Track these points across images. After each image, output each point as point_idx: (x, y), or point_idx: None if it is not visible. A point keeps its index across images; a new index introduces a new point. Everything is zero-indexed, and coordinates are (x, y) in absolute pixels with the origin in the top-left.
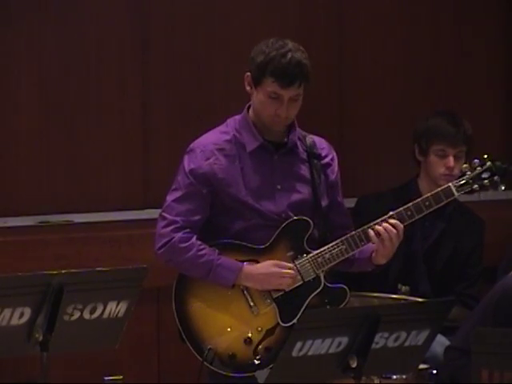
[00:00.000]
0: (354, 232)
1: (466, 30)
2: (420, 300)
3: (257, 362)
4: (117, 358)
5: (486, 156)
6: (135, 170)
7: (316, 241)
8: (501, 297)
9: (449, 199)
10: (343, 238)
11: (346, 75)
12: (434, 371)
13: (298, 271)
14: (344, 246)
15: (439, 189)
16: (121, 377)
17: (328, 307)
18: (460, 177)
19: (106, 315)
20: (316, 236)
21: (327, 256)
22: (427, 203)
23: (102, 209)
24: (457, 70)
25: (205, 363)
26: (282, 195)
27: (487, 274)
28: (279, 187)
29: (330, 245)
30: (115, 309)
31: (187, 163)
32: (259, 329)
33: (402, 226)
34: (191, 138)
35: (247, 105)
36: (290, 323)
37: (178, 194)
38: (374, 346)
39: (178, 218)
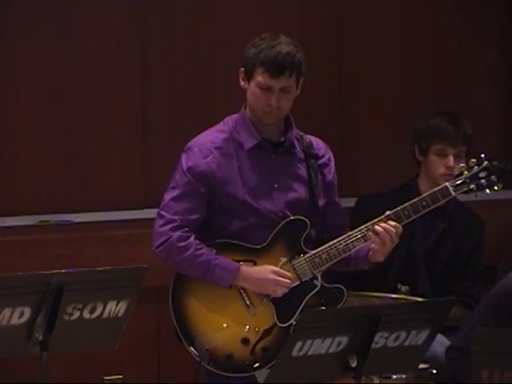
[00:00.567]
0: (351, 232)
1: (465, 29)
2: (420, 300)
3: (255, 365)
4: (117, 357)
5: (482, 156)
6: (135, 170)
7: (313, 241)
8: (502, 296)
9: (446, 199)
10: (340, 238)
11: (346, 75)
12: (434, 371)
13: (295, 271)
14: (341, 246)
15: (436, 188)
16: (120, 376)
17: (323, 308)
18: (457, 176)
19: (105, 315)
20: (313, 236)
21: (324, 256)
22: (424, 203)
23: (102, 208)
24: (457, 70)
25: (202, 363)
26: (279, 194)
27: (487, 273)
28: (276, 186)
29: (327, 245)
30: (115, 308)
31: (185, 162)
32: (256, 329)
33: (401, 227)
34: (191, 137)
35: (245, 103)
36: (287, 323)
37: (175, 192)
38: (373, 345)
39: (176, 217)
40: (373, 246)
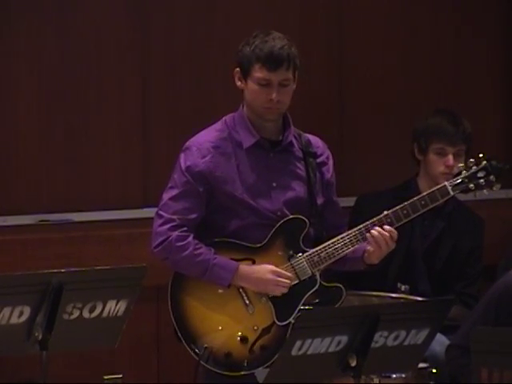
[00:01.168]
0: (350, 231)
1: (465, 29)
2: (419, 299)
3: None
4: (116, 357)
5: (481, 155)
6: (134, 169)
7: (312, 239)
8: (502, 294)
9: (444, 198)
10: (339, 237)
11: (346, 75)
12: (434, 370)
13: (294, 270)
14: (340, 245)
15: (435, 188)
16: (120, 376)
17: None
18: (456, 176)
19: (105, 314)
20: (312, 234)
21: (323, 255)
22: (423, 202)
23: (102, 208)
24: (457, 70)
25: (201, 362)
26: (278, 193)
27: (487, 273)
28: (275, 185)
29: (326, 243)
30: (114, 308)
31: (183, 161)
32: (255, 327)
33: (395, 231)
34: (190, 137)
35: (243, 102)
36: (286, 322)
37: (174, 192)
38: (373, 344)
39: (174, 217)
40: (368, 248)
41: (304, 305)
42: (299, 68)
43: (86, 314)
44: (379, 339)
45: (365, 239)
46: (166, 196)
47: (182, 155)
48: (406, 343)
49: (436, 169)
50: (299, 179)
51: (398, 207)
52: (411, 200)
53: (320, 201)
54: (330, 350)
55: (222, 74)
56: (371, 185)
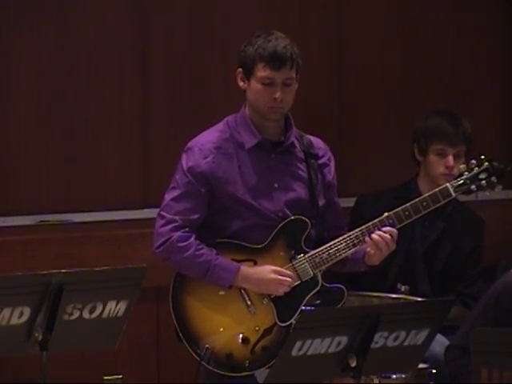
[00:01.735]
0: (351, 232)
1: (465, 29)
2: (419, 299)
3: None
4: (116, 357)
5: (483, 156)
6: (135, 170)
7: (313, 240)
8: (501, 294)
9: (446, 199)
10: (341, 238)
11: (346, 75)
12: (434, 370)
13: (296, 271)
14: (341, 246)
15: (437, 189)
16: (120, 376)
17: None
18: (457, 177)
19: (105, 315)
20: (313, 235)
21: (325, 256)
22: (425, 203)
23: (102, 208)
24: (457, 70)
25: (202, 362)
26: (279, 193)
27: (487, 273)
28: (276, 185)
29: (328, 244)
30: (115, 308)
31: (185, 162)
32: (256, 328)
33: (396, 231)
34: (191, 137)
35: (245, 103)
36: (288, 323)
37: (176, 192)
38: (373, 345)
39: (176, 217)
40: (368, 249)
41: (305, 306)
42: (300, 68)
43: (86, 315)
44: (379, 340)
45: (366, 241)
46: (167, 196)
47: (184, 156)
48: (405, 344)
49: (436, 170)
50: (301, 180)
51: (399, 208)
52: (413, 201)
53: (321, 202)
54: (330, 350)
55: (222, 74)
56: (371, 185)
